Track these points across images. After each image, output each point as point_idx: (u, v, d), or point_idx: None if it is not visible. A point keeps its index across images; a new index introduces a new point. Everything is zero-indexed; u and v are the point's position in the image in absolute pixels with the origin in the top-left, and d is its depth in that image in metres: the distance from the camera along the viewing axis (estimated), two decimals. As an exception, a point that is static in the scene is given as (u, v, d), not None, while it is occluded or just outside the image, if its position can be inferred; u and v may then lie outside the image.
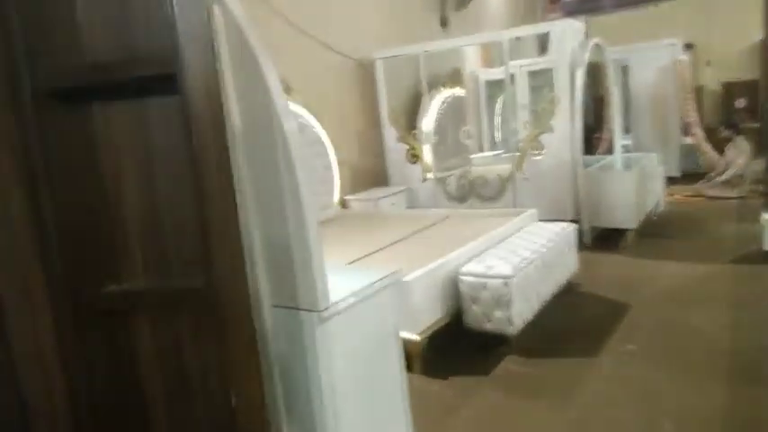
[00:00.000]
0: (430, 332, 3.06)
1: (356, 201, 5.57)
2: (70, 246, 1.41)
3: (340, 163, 5.43)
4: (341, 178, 5.47)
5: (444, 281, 3.18)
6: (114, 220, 1.44)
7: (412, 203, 5.97)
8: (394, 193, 5.72)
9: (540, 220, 4.55)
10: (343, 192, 5.58)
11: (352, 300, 1.76)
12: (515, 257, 3.25)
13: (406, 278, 2.91)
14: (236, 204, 1.39)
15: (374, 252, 3.74)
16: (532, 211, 4.37)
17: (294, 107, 4.87)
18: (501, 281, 3.04)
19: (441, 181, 5.87)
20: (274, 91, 1.54)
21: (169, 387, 1.49)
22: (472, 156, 6.47)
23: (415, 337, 2.96)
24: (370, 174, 6.14)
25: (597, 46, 5.48)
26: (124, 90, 1.38)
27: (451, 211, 4.87)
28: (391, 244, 3.95)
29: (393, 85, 6.00)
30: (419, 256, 3.51)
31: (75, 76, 1.37)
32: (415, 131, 5.91)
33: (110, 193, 1.43)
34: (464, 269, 3.19)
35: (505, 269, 3.08)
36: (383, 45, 6.05)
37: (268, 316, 1.63)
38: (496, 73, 7.06)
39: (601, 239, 5.20)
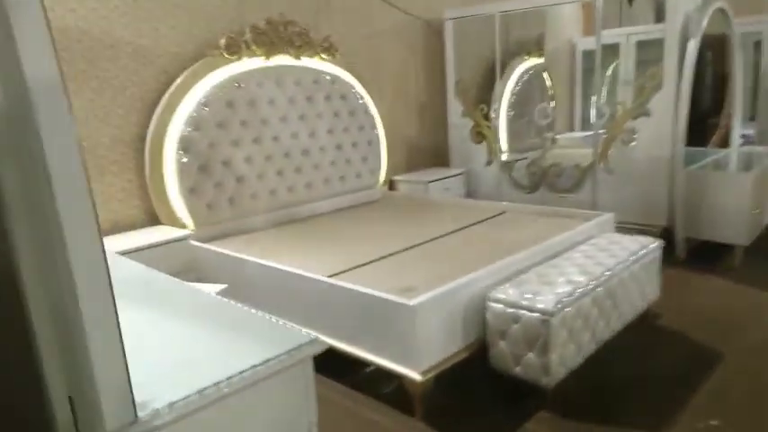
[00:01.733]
0: (441, 369, 2.38)
1: (405, 182, 4.89)
2: None
3: (392, 138, 4.76)
4: (393, 155, 4.81)
5: (469, 303, 2.47)
6: None
7: (471, 190, 5.20)
8: (449, 177, 4.97)
9: (621, 224, 3.67)
10: (394, 171, 4.92)
11: (194, 405, 1.01)
12: (567, 283, 2.47)
13: (412, 302, 2.24)
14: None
15: (388, 256, 3.08)
16: (608, 217, 3.48)
17: (334, 71, 4.24)
18: (538, 316, 2.29)
19: (507, 165, 5.04)
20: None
21: None
22: (558, 135, 5.53)
23: (416, 376, 2.30)
24: (429, 152, 5.42)
25: (721, 13, 4.34)
26: None
27: (510, 206, 4.07)
28: (420, 244, 3.27)
29: (464, 50, 5.18)
30: (446, 265, 2.82)
31: None
32: (483, 106, 5.08)
33: None
34: (495, 293, 2.46)
35: (547, 301, 2.31)
36: (460, 3, 5.22)
37: None
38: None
39: (698, 255, 4.18)
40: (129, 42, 3.33)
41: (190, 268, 3.29)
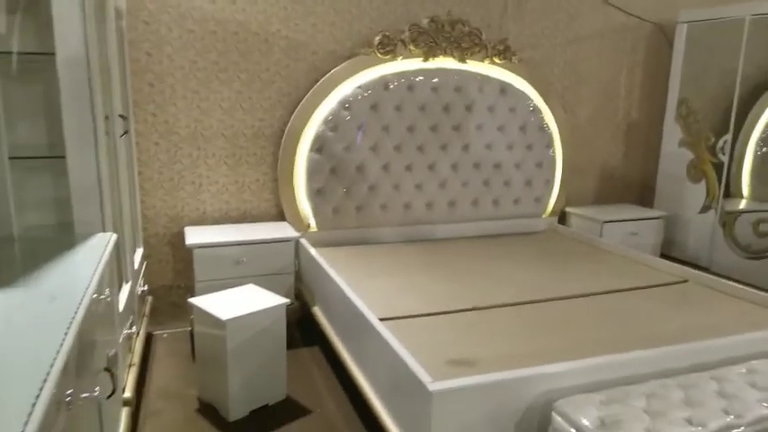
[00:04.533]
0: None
1: (579, 217, 4.06)
2: None
3: (575, 161, 4.01)
4: (573, 182, 4.06)
5: (530, 408, 1.81)
6: None
7: (669, 241, 4.10)
8: (643, 219, 3.97)
9: None
10: (570, 200, 4.14)
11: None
12: (683, 425, 1.63)
13: (432, 386, 1.70)
14: None
15: (487, 308, 2.48)
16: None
17: (507, 78, 3.69)
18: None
19: (729, 216, 3.82)
20: None
21: None
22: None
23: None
24: (629, 184, 4.44)
25: None
26: None
27: (699, 275, 3.01)
28: (542, 301, 2.59)
29: (697, 63, 4.06)
30: (548, 341, 2.17)
31: None
32: (710, 136, 3.92)
33: None
34: (564, 404, 1.75)
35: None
36: (697, 3, 4.11)
37: None
38: None
39: None
40: (284, 37, 3.34)
41: (291, 269, 3.20)
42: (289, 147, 3.38)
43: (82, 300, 1.36)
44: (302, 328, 3.25)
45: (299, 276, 3.26)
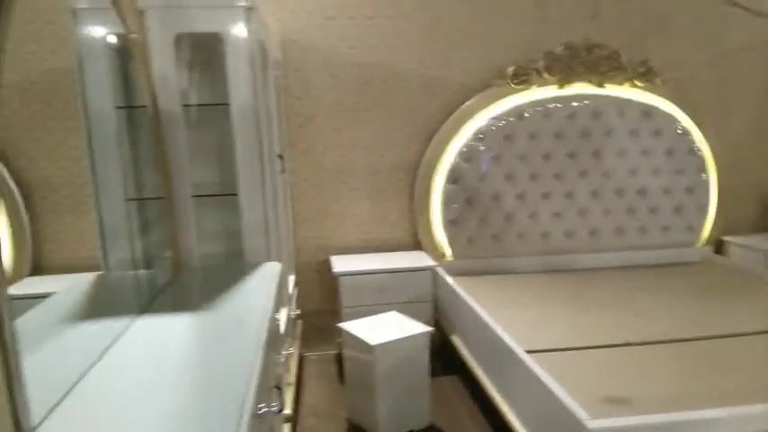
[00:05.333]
0: None
1: (739, 246, 3.70)
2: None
3: (731, 185, 3.70)
4: (730, 208, 3.74)
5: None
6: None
7: None
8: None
9: None
10: (727, 229, 3.81)
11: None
12: None
13: (592, 424, 1.65)
14: None
15: (642, 344, 2.35)
16: None
17: (650, 101, 3.54)
18: None
19: None
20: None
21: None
22: None
23: None
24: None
25: None
26: None
27: None
28: (704, 338, 2.41)
29: None
30: (711, 382, 2.02)
31: None
32: None
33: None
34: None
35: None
36: None
37: None
38: None
39: None
40: (419, 74, 3.48)
41: (429, 297, 3.27)
42: (424, 179, 3.49)
43: (264, 323, 1.52)
44: (441, 356, 3.29)
45: (436, 304, 3.32)
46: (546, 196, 3.51)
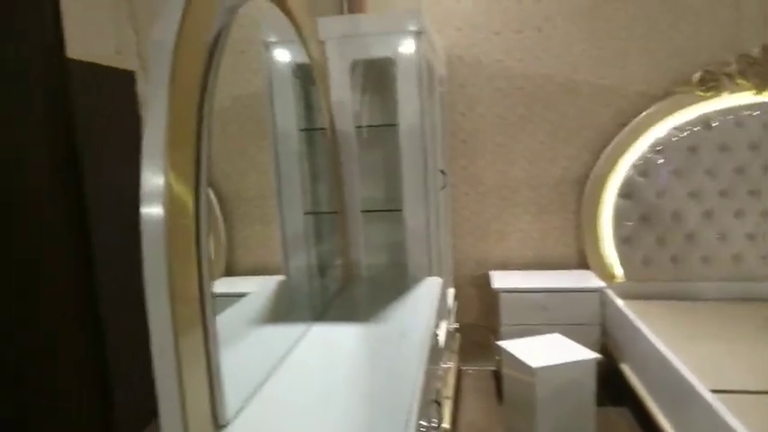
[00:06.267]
0: None
1: None
2: None
3: None
4: None
5: None
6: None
7: None
8: None
9: None
10: None
11: None
12: None
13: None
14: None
15: None
16: None
17: None
18: None
19: None
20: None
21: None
22: None
23: None
24: None
25: None
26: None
27: None
28: None
29: None
30: None
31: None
32: None
33: None
34: None
35: None
36: None
37: None
38: None
39: None
40: (590, 84, 3.32)
41: (596, 320, 3.07)
42: (593, 193, 3.31)
43: (427, 338, 1.57)
44: (609, 384, 3.07)
45: (604, 329, 3.12)
46: (739, 215, 3.12)
